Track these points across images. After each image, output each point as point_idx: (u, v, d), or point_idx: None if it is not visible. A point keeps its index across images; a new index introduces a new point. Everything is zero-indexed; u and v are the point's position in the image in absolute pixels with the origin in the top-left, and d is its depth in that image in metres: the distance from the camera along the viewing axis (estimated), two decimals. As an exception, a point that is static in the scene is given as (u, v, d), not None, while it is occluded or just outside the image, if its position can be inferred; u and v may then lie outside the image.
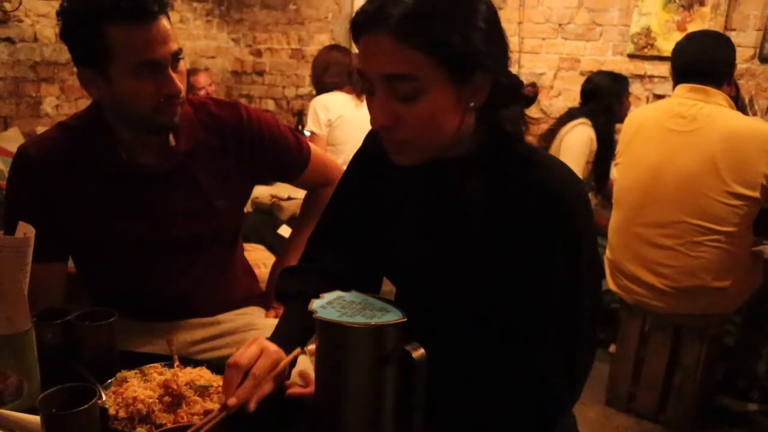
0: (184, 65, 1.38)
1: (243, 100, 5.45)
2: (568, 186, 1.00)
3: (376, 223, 1.19)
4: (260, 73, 5.48)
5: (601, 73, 3.56)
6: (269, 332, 1.55)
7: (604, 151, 3.29)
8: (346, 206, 1.27)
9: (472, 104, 0.98)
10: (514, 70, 4.27)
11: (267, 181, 1.73)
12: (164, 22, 1.29)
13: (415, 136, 0.97)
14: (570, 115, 3.41)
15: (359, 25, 0.95)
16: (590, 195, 3.34)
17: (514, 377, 1.02)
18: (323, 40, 5.03)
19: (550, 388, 1.02)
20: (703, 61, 2.40)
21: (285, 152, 1.59)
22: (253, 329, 1.55)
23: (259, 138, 1.54)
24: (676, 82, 2.49)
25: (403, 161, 1.03)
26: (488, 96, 0.98)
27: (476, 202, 1.03)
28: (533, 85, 1.01)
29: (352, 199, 1.25)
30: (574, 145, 3.25)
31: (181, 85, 1.34)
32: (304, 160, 1.63)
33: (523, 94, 1.04)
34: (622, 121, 3.39)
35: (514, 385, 1.02)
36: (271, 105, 5.47)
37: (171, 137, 1.43)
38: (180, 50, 1.34)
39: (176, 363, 1.23)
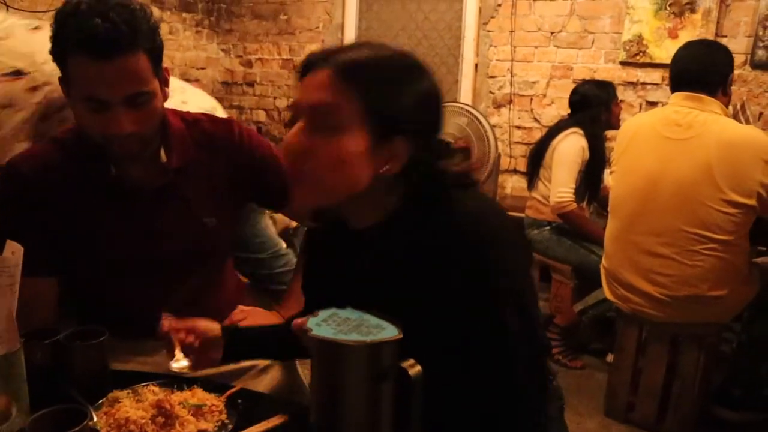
0: (157, 102, 1.32)
1: (234, 111, 5.43)
2: (474, 224, 0.98)
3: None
4: (251, 84, 5.47)
5: (586, 82, 3.57)
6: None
7: (596, 159, 3.30)
8: (306, 275, 1.31)
9: (386, 167, 0.99)
10: (506, 78, 4.29)
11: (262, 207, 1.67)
12: (130, 61, 1.23)
13: (318, 173, 0.99)
14: (558, 127, 3.42)
15: (308, 64, 1.02)
16: (583, 204, 3.35)
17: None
18: (314, 50, 5.02)
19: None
20: (696, 70, 2.41)
21: (275, 175, 1.51)
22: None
23: (250, 157, 1.52)
24: (672, 91, 2.50)
25: (296, 196, 1.04)
26: (402, 167, 1.00)
27: (392, 269, 1.02)
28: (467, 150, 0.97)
29: (307, 269, 1.30)
30: (567, 155, 3.27)
31: (134, 125, 1.27)
32: None
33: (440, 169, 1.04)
34: (612, 127, 3.40)
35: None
36: (262, 116, 5.46)
37: (162, 153, 1.42)
38: (143, 92, 1.27)
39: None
